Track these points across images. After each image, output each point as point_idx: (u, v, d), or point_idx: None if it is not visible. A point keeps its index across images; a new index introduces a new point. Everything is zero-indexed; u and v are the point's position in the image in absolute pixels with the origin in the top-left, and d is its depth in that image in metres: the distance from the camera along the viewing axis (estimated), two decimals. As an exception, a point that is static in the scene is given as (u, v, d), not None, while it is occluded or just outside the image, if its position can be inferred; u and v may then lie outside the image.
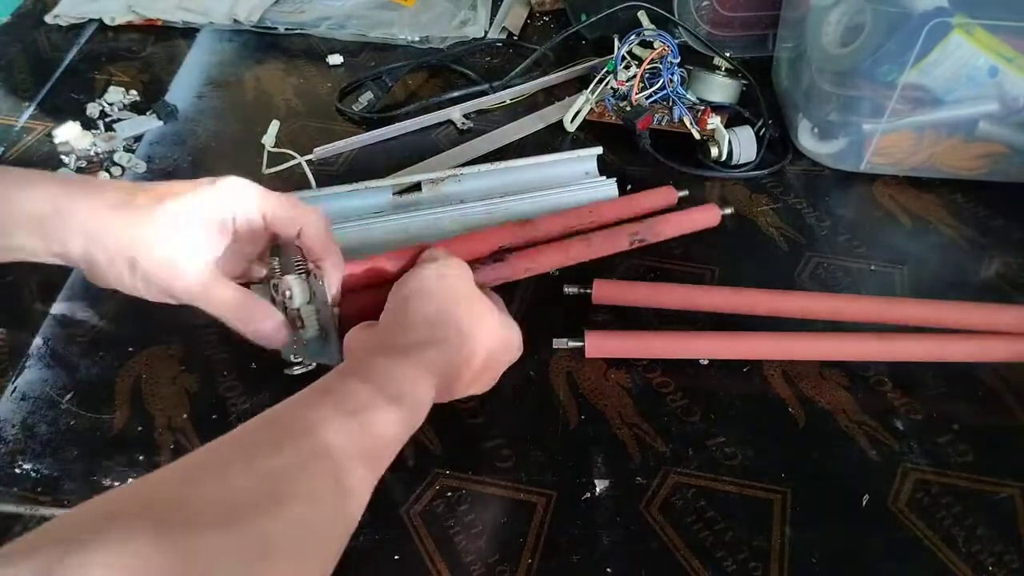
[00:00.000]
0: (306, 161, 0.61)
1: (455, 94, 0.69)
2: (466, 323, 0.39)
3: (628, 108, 0.64)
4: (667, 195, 0.57)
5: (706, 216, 0.56)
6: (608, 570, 0.38)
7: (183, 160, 0.63)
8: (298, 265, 0.43)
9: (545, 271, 0.52)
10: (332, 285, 0.43)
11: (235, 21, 0.78)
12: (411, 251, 0.46)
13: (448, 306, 0.39)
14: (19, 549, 0.23)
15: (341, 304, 0.44)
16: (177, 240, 0.38)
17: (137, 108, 0.69)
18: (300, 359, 0.42)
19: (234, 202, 0.39)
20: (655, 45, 0.65)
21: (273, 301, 0.42)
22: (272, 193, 0.41)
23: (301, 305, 0.42)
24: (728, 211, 0.56)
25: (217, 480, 0.28)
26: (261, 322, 0.40)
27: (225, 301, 0.40)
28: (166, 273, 0.38)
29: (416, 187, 0.56)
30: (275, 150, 0.63)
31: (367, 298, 0.44)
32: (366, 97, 0.68)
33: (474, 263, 0.48)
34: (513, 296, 0.52)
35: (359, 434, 0.32)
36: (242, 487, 0.28)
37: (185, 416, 0.45)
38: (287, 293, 0.42)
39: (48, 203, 0.36)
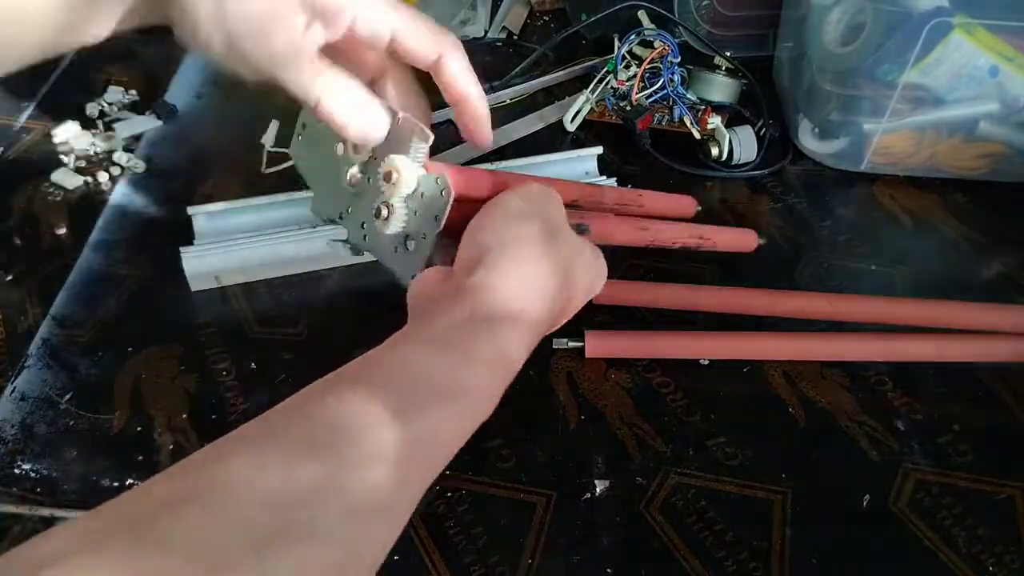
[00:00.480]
0: (306, 161, 0.61)
1: (455, 94, 0.69)
2: (558, 289, 0.34)
3: (628, 108, 0.64)
4: (686, 204, 0.54)
5: (744, 240, 0.53)
6: (608, 570, 0.38)
7: (183, 160, 0.63)
8: (416, 150, 0.34)
9: (619, 244, 0.46)
10: (478, 130, 0.37)
11: (235, 20, 0.78)
12: (507, 177, 0.39)
13: (534, 264, 0.33)
14: None
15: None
16: (279, 24, 0.31)
17: (136, 108, 0.69)
18: (353, 245, 0.36)
19: (356, 4, 0.32)
20: (655, 45, 0.65)
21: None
22: (409, 10, 0.34)
23: (399, 198, 0.34)
24: (761, 241, 0.53)
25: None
26: (365, 117, 0.34)
27: (319, 83, 0.33)
28: (263, 54, 0.31)
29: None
30: (275, 150, 0.62)
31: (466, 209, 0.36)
32: (366, 97, 0.68)
33: None
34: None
35: (420, 442, 0.27)
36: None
37: (185, 416, 0.45)
38: (393, 176, 0.33)
39: None
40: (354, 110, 0.34)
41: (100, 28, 0.34)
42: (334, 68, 0.33)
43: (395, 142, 0.34)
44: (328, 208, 0.37)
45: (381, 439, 0.26)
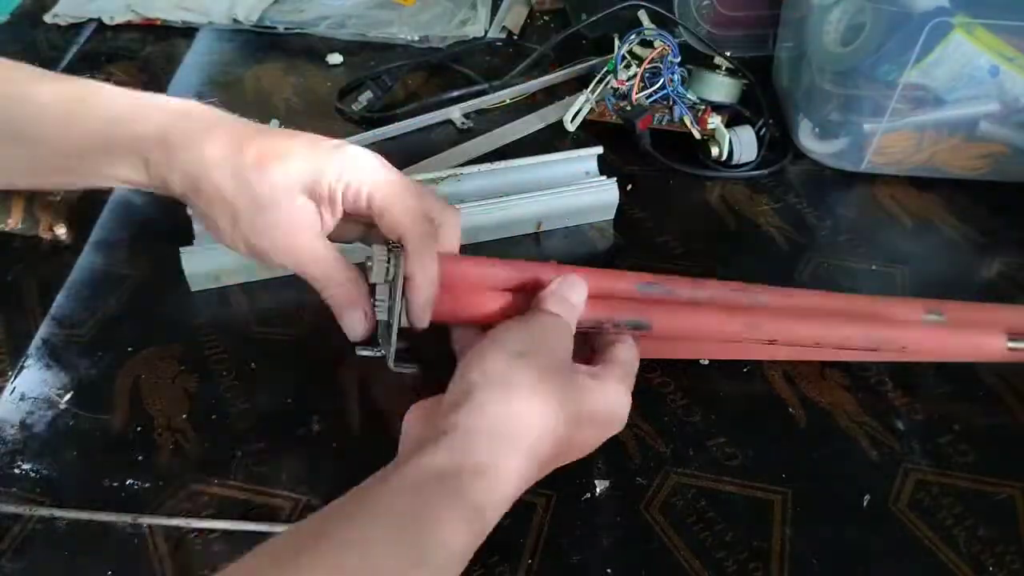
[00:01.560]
0: (306, 161, 0.61)
1: (455, 94, 0.69)
2: (540, 443, 0.32)
3: (628, 108, 0.64)
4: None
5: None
6: (608, 570, 0.38)
7: (183, 160, 0.63)
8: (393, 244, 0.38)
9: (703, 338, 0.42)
10: (413, 298, 0.38)
11: (234, 20, 0.78)
12: (535, 269, 0.39)
13: (517, 416, 0.31)
14: None
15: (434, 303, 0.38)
16: (277, 212, 0.34)
17: (137, 108, 0.69)
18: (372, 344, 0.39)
19: (347, 179, 0.35)
20: (655, 44, 0.65)
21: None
22: (396, 181, 0.36)
23: (377, 283, 0.38)
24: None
25: None
26: (349, 315, 0.38)
27: (324, 277, 0.37)
28: (265, 242, 0.35)
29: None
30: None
31: (469, 302, 0.39)
32: (366, 97, 0.68)
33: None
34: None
35: None
36: None
37: (185, 416, 0.45)
38: (367, 261, 0.38)
39: (151, 137, 0.33)
40: (346, 314, 0.39)
41: (112, 181, 0.36)
42: (339, 267, 0.38)
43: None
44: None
45: None
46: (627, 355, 0.38)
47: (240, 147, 0.34)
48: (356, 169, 0.36)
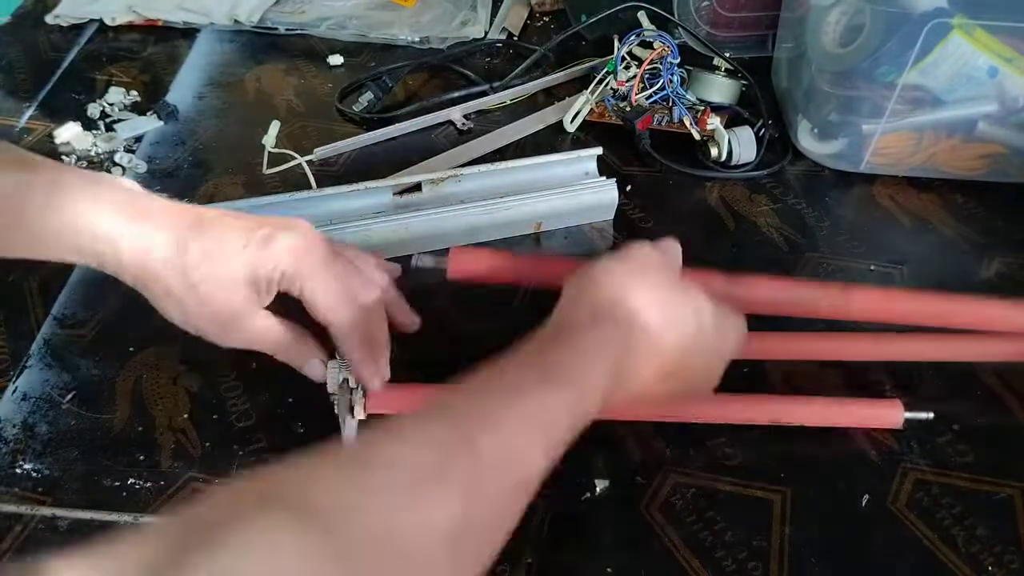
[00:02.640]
0: (306, 161, 0.61)
1: (455, 94, 0.69)
2: (644, 311, 0.34)
3: (628, 108, 0.64)
4: None
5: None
6: (608, 570, 0.38)
7: (184, 160, 0.63)
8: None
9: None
10: (357, 375, 0.41)
11: (235, 21, 0.78)
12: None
13: (622, 292, 0.35)
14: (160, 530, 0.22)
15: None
16: (221, 304, 0.38)
17: (138, 108, 0.69)
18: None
19: (281, 269, 0.39)
20: (655, 45, 0.65)
21: None
22: (318, 270, 0.39)
23: (332, 392, 0.42)
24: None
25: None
26: (308, 367, 0.42)
27: (274, 347, 0.41)
28: (214, 329, 0.39)
29: (416, 187, 0.56)
30: (275, 150, 0.63)
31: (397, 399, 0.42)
32: (366, 97, 0.68)
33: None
34: (515, 294, 0.52)
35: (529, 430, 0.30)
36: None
37: (185, 416, 0.45)
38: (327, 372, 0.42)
39: (102, 242, 0.36)
40: (305, 368, 0.42)
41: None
42: (284, 333, 0.41)
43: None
44: None
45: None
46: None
47: (184, 248, 0.37)
48: (287, 260, 0.39)
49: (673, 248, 0.40)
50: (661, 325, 0.35)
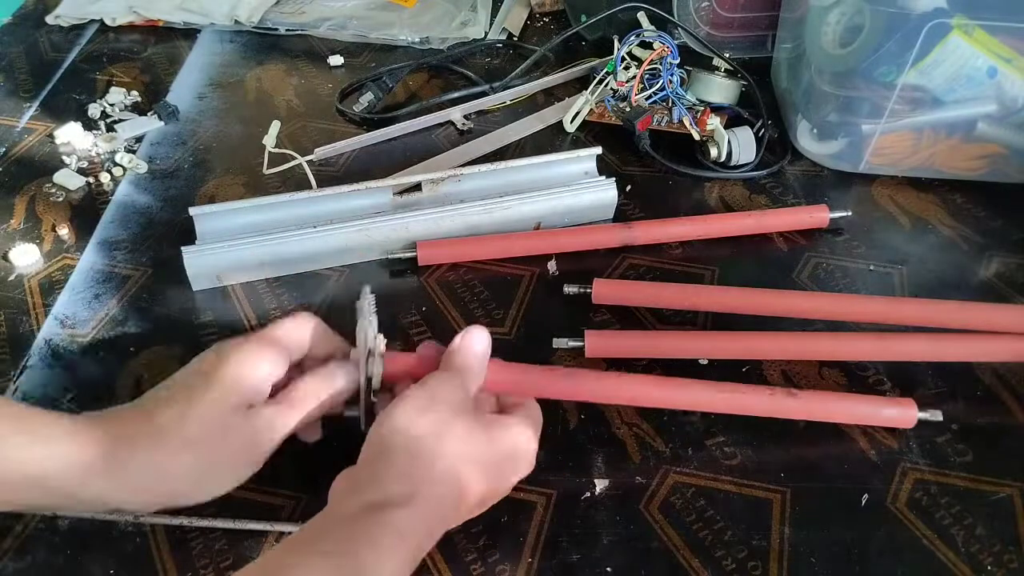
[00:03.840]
0: (307, 162, 0.61)
1: (455, 95, 0.69)
2: (451, 473, 0.35)
3: (628, 109, 0.64)
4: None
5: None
6: (608, 569, 0.38)
7: (184, 161, 0.63)
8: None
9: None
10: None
11: (236, 22, 0.79)
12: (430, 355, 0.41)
13: (427, 452, 0.35)
14: None
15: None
16: (218, 468, 0.37)
17: (138, 109, 0.69)
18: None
19: (254, 389, 0.37)
20: (655, 46, 0.65)
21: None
22: (272, 358, 0.38)
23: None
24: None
25: None
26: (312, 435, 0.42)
27: (305, 420, 0.39)
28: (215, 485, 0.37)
29: (416, 187, 0.56)
30: (276, 151, 0.63)
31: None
32: (367, 98, 0.68)
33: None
34: (513, 296, 0.52)
35: None
36: None
37: (186, 416, 0.45)
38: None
39: (67, 473, 0.34)
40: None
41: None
42: (282, 412, 0.38)
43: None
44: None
45: None
46: (532, 409, 0.40)
47: (160, 440, 0.36)
48: (258, 381, 0.38)
49: (475, 345, 0.40)
50: (474, 478, 0.35)
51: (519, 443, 0.38)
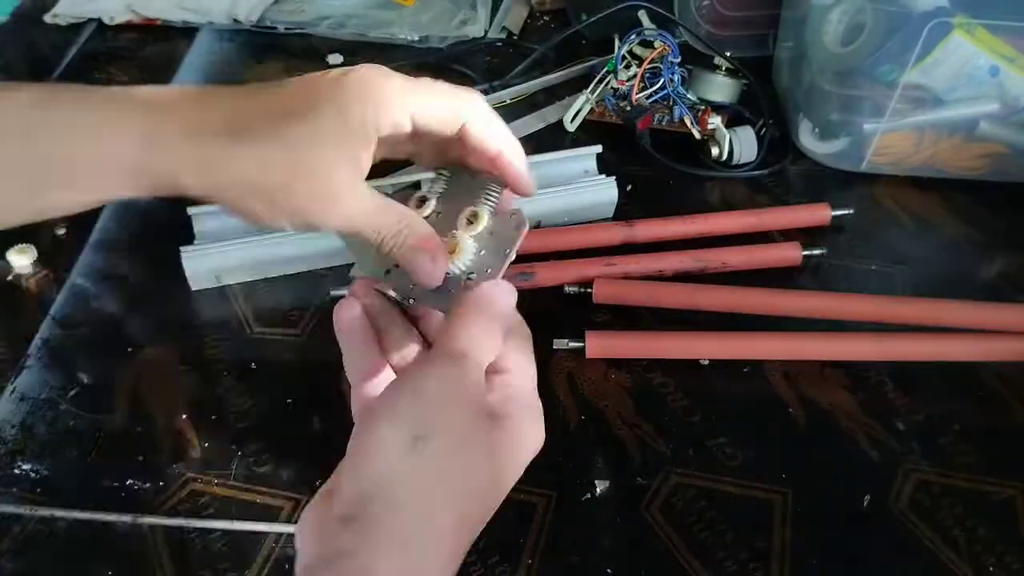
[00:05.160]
0: (306, 161, 0.61)
1: (455, 94, 0.69)
2: (451, 528, 0.27)
3: (628, 108, 0.64)
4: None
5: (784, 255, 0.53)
6: (608, 570, 0.38)
7: (183, 160, 0.63)
8: (489, 195, 0.34)
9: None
10: (517, 182, 0.33)
11: (235, 21, 0.78)
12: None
13: (419, 514, 0.27)
14: None
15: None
16: (313, 174, 0.29)
17: (137, 108, 0.69)
18: (403, 298, 0.34)
19: (372, 107, 0.31)
20: (655, 45, 0.65)
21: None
22: (417, 82, 0.33)
23: (469, 239, 0.34)
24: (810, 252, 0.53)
25: None
26: (425, 257, 0.31)
27: (381, 228, 0.31)
28: (309, 210, 0.30)
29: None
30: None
31: None
32: (366, 97, 0.68)
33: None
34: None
35: None
36: None
37: (185, 416, 0.45)
38: (474, 219, 0.33)
39: (135, 138, 0.28)
40: (423, 264, 0.32)
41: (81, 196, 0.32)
42: (393, 212, 0.32)
43: (464, 190, 0.35)
44: (372, 267, 0.35)
45: None
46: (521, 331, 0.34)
47: (247, 116, 0.31)
48: (383, 96, 0.32)
49: (497, 303, 0.32)
50: (459, 545, 0.28)
51: (527, 453, 0.31)
